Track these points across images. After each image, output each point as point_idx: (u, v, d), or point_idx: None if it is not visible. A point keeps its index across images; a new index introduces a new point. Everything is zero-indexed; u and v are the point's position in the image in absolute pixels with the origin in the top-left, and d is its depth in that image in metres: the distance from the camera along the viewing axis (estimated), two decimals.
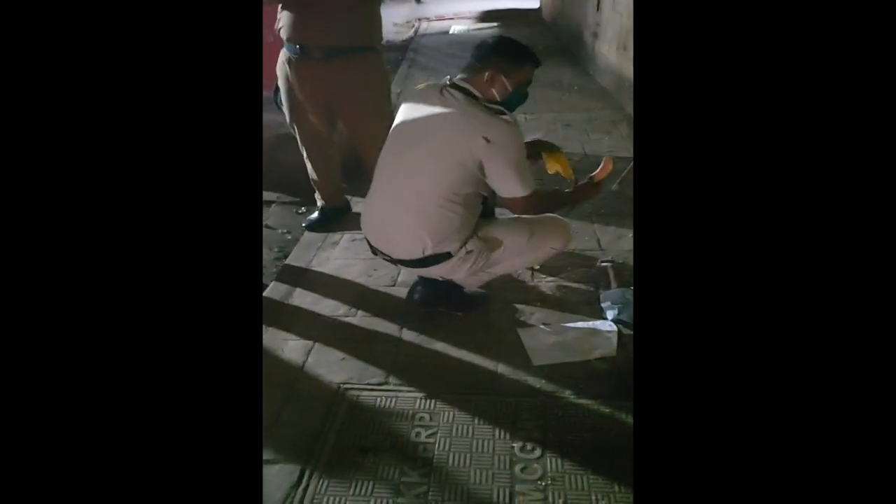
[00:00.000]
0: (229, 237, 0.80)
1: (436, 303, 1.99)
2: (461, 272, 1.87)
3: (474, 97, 1.73)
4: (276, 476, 1.39)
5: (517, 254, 1.92)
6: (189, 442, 0.75)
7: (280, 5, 2.24)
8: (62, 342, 0.72)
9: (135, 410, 0.73)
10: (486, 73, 1.72)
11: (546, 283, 2.14)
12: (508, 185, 1.74)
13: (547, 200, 1.92)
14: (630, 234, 2.44)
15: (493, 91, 1.74)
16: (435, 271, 1.88)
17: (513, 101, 1.79)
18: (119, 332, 0.73)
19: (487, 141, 1.66)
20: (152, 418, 0.74)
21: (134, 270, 0.74)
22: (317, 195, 2.68)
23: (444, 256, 1.82)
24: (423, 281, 1.98)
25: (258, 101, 1.00)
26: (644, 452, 0.76)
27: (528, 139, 1.89)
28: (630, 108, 4.15)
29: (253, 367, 0.81)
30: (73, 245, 0.72)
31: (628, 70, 4.22)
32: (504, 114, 1.72)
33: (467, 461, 1.42)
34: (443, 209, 1.75)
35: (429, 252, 1.80)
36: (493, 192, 1.83)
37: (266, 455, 1.44)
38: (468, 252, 1.83)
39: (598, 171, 1.93)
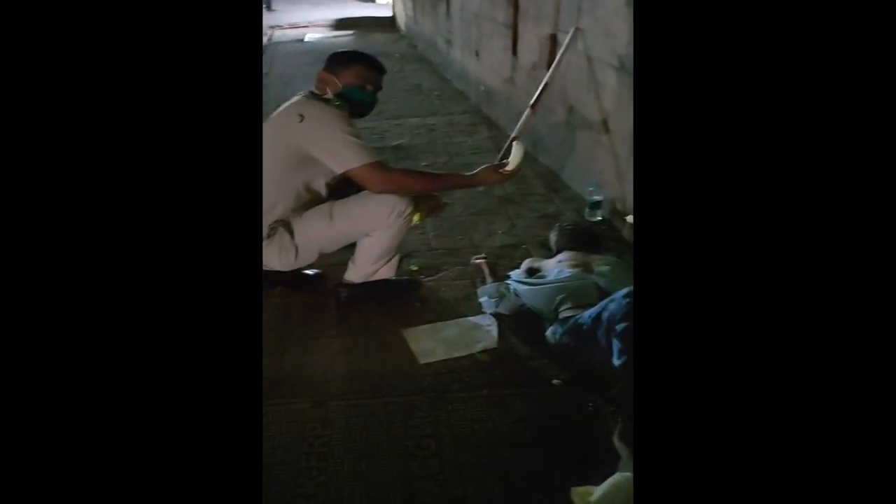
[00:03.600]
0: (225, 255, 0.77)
1: (365, 297, 2.01)
2: (273, 257, 1.90)
3: (313, 95, 1.90)
4: None
5: (328, 234, 1.90)
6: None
7: None
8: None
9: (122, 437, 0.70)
10: (320, 76, 1.91)
11: (425, 283, 2.17)
12: (339, 157, 1.77)
13: (412, 175, 2.01)
14: (500, 232, 2.55)
15: (327, 88, 1.89)
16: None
17: (349, 96, 1.89)
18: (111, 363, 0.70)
19: (301, 117, 1.76)
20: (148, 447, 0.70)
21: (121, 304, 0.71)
22: None
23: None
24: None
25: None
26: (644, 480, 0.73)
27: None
28: (486, 111, 4.34)
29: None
30: (65, 258, 0.69)
31: (481, 74, 4.41)
32: (329, 102, 1.85)
33: (363, 466, 1.41)
34: (272, 198, 1.83)
35: None
36: None
37: None
38: (271, 230, 1.87)
39: (511, 158, 1.88)
